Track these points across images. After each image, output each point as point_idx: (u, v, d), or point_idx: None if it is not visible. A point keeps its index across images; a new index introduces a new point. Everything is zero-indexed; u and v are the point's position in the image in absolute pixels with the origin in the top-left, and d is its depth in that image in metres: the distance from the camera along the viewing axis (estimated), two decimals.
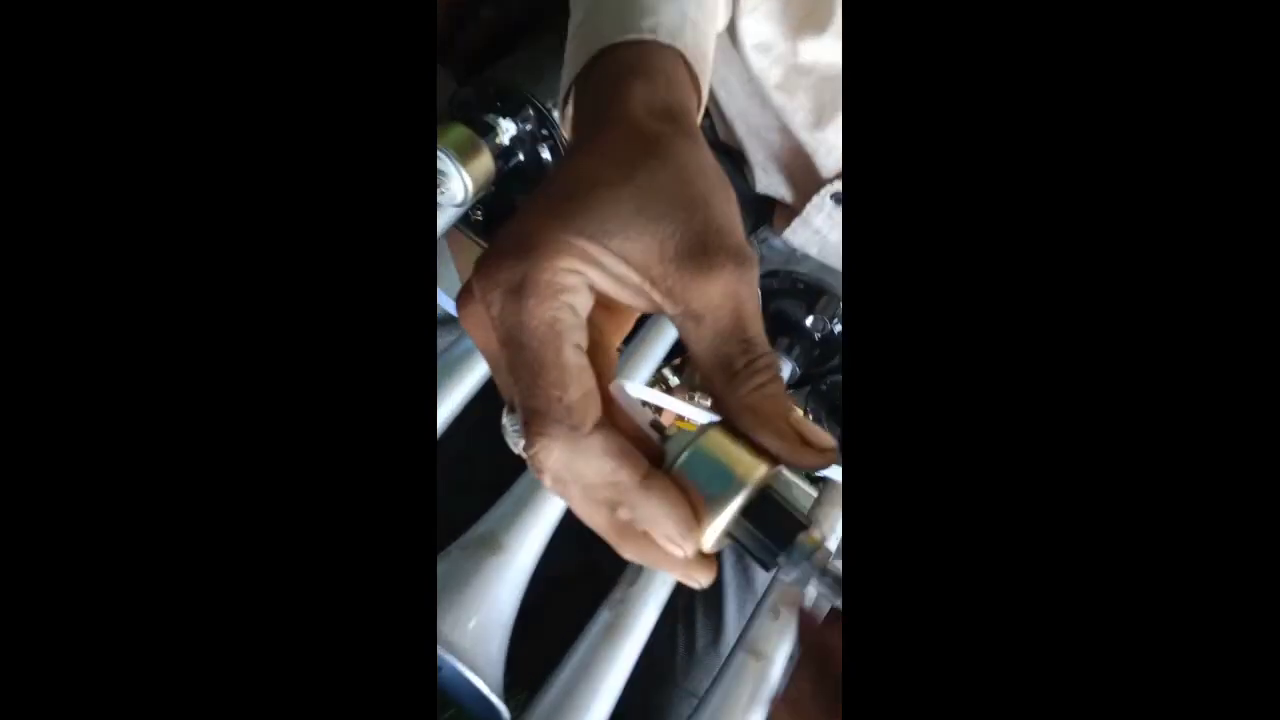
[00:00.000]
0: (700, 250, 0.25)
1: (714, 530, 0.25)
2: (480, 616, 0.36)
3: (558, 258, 0.24)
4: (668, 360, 0.56)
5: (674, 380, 0.56)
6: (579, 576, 0.47)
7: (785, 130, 0.57)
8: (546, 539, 0.40)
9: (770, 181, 0.62)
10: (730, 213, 0.26)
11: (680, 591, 0.57)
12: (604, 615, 0.40)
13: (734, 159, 0.63)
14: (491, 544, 0.38)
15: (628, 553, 0.27)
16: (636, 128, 0.27)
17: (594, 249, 0.24)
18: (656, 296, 0.25)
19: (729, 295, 0.25)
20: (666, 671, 0.58)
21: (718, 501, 0.25)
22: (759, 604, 0.44)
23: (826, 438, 0.26)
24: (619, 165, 0.26)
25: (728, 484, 0.25)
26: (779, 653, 0.41)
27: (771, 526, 0.26)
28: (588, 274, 0.25)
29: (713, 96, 0.60)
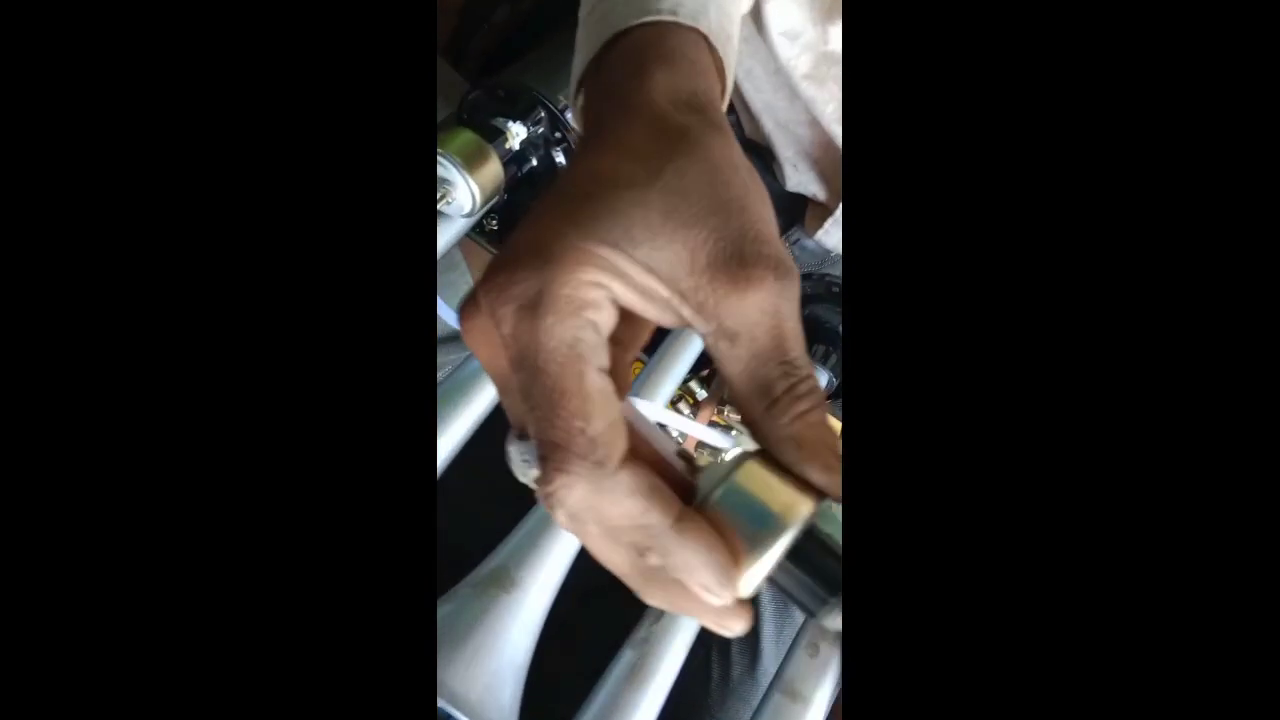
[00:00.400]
0: (736, 260, 0.22)
1: (754, 575, 0.22)
2: (491, 663, 0.33)
3: (578, 269, 0.22)
4: (694, 372, 0.53)
5: (701, 394, 0.53)
6: (610, 588, 0.44)
7: (815, 123, 0.54)
8: (565, 572, 0.38)
9: (801, 179, 0.59)
10: (767, 217, 0.24)
11: None
12: (627, 655, 0.37)
13: (762, 156, 0.60)
14: (503, 581, 0.35)
15: (654, 599, 0.24)
16: (661, 120, 0.25)
17: (618, 259, 0.22)
18: (686, 312, 0.22)
19: (767, 312, 0.22)
20: (699, 703, 0.54)
21: (759, 543, 0.22)
22: (795, 639, 0.40)
23: None
24: (644, 163, 0.23)
25: (769, 524, 0.22)
26: (818, 694, 0.38)
27: (816, 571, 0.23)
28: (611, 287, 0.22)
29: (737, 90, 0.57)
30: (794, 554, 0.23)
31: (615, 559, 0.23)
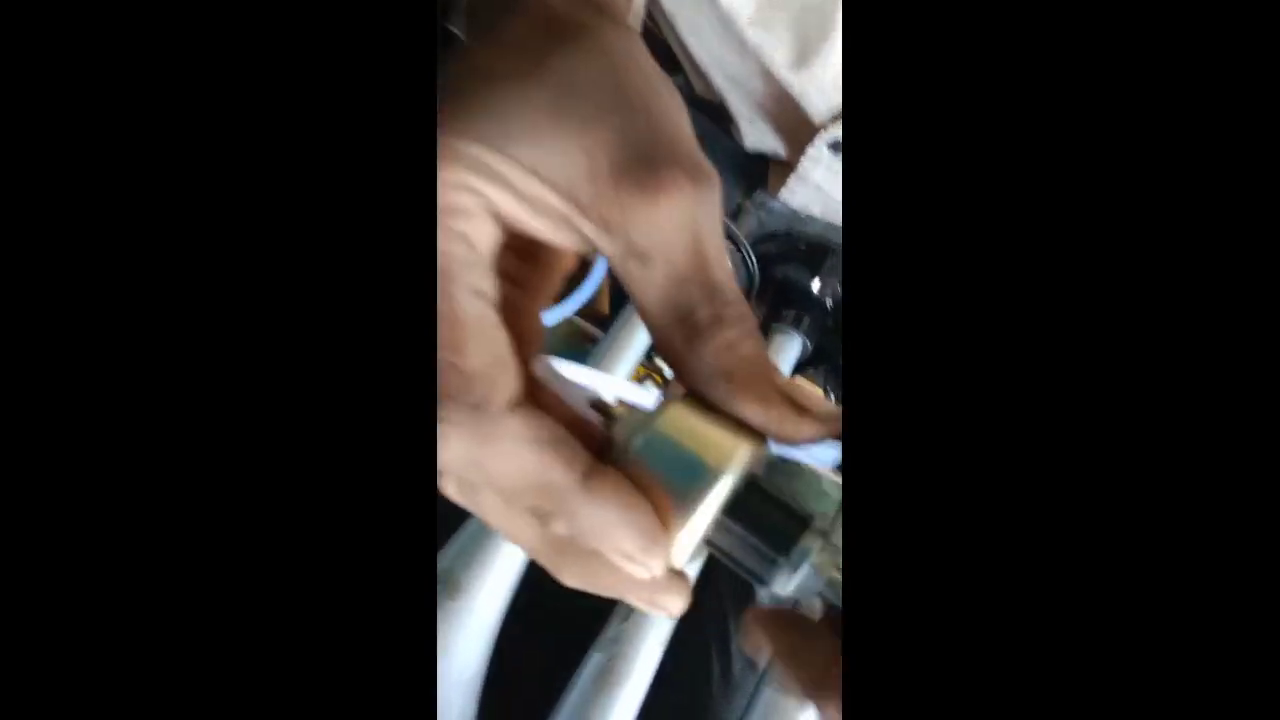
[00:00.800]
0: (643, 164, 0.19)
1: (687, 538, 0.19)
2: (437, 679, 0.30)
3: (443, 170, 0.18)
4: None
5: (669, 372, 0.50)
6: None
7: (767, 74, 0.50)
8: (519, 574, 0.34)
9: (759, 135, 0.55)
10: (679, 120, 0.20)
11: (705, 611, 0.50)
12: (595, 658, 0.34)
13: (716, 115, 0.57)
14: (448, 586, 0.32)
15: (571, 578, 0.20)
16: (550, 14, 0.21)
17: (494, 159, 0.19)
18: (587, 228, 0.19)
19: (683, 226, 0.19)
20: (702, 702, 0.51)
21: (689, 499, 0.19)
22: None
23: (826, 403, 0.20)
24: (525, 55, 0.20)
25: (699, 474, 0.19)
26: None
27: (761, 526, 0.20)
28: (487, 194, 0.19)
29: (684, 47, 0.53)
30: (733, 509, 0.19)
31: (519, 532, 0.20)
